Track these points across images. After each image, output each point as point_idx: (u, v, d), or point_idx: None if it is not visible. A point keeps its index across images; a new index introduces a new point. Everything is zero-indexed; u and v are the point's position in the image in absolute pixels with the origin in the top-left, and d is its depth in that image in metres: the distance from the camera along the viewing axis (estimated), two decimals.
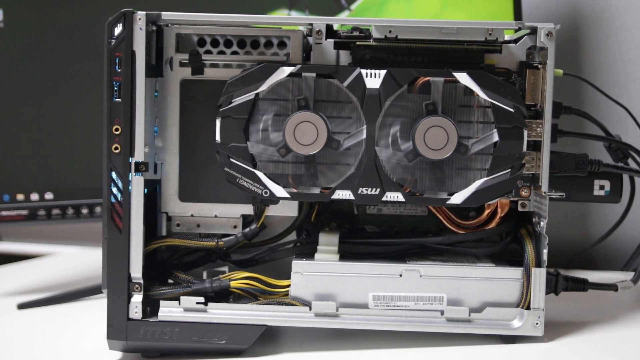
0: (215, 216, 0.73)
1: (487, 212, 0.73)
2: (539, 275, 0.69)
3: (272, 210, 0.73)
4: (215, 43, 0.73)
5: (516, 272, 0.70)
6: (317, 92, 0.68)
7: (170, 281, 0.73)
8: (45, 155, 0.93)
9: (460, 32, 0.69)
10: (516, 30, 0.72)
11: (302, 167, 0.69)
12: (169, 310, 0.70)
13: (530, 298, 0.69)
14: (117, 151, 0.68)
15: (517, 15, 0.95)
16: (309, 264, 0.71)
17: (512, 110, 0.67)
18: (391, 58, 0.70)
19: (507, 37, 0.72)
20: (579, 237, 1.03)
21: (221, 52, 0.73)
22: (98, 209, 0.93)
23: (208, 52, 0.73)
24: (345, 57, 0.72)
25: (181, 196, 0.73)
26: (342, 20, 0.76)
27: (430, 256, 0.73)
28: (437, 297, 0.70)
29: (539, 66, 0.70)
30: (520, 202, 0.72)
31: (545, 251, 0.69)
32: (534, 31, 0.70)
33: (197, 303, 0.69)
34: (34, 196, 0.93)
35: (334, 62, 0.71)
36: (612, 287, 0.75)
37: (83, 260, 1.16)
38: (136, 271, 0.69)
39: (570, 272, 0.79)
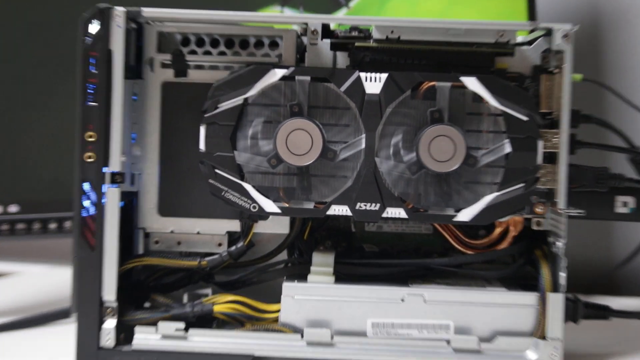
0: (198, 233, 0.74)
1: (498, 230, 0.73)
2: (556, 301, 0.69)
3: (261, 227, 0.74)
4: (200, 42, 0.73)
5: (530, 298, 0.70)
6: (312, 97, 0.69)
7: (147, 305, 0.74)
8: (10, 164, 0.93)
9: (468, 33, 0.70)
10: (530, 32, 0.73)
11: (294, 180, 0.69)
12: (144, 337, 0.70)
13: (546, 327, 0.69)
14: (90, 160, 0.69)
15: (531, 15, 0.96)
16: (301, 286, 0.71)
17: (525, 118, 0.68)
18: (393, 61, 0.71)
19: (520, 39, 0.72)
20: (600, 259, 1.03)
21: (207, 53, 0.73)
22: (68, 224, 0.93)
23: (192, 52, 0.73)
24: (342, 59, 0.72)
25: (161, 210, 0.74)
26: (339, 19, 0.77)
27: (435, 279, 0.74)
28: (442, 325, 0.70)
29: (555, 71, 0.71)
30: (534, 220, 0.72)
31: (562, 274, 0.69)
32: (549, 32, 0.70)
33: (177, 330, 0.70)
34: None
35: (331, 65, 0.72)
36: (638, 315, 0.75)
37: (50, 280, 1.15)
38: (109, 293, 0.69)
39: (591, 298, 0.79)
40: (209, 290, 0.76)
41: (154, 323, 0.70)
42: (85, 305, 0.69)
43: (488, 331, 0.70)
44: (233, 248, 0.73)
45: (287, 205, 0.69)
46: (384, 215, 0.69)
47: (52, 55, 0.94)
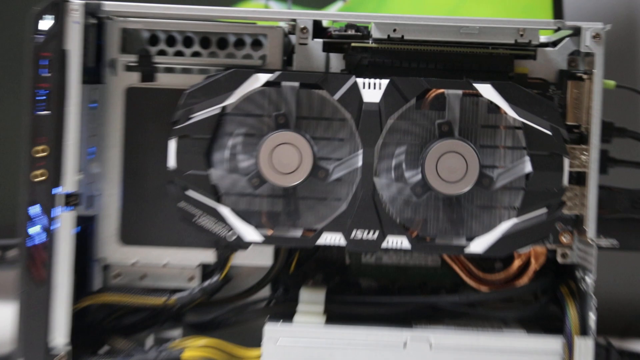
0: (166, 265, 0.74)
1: (517, 263, 0.73)
2: (585, 347, 0.69)
3: (239, 258, 0.74)
4: (171, 41, 0.73)
5: (555, 343, 0.70)
6: (301, 106, 0.68)
7: (104, 349, 0.73)
8: None
9: (483, 32, 0.70)
10: (555, 31, 0.73)
11: (279, 203, 0.69)
12: None
13: None
14: (40, 179, 0.68)
15: (557, 11, 0.97)
16: (286, 328, 0.70)
17: (549, 132, 0.68)
18: (395, 64, 0.71)
19: (543, 39, 0.72)
20: (636, 298, 1.03)
21: (178, 53, 0.73)
22: (12, 253, 0.92)
23: (162, 52, 0.74)
24: (337, 62, 0.73)
25: (122, 238, 0.74)
26: (333, 16, 0.77)
27: (443, 320, 0.73)
28: None
29: (584, 76, 0.71)
30: (560, 251, 0.73)
31: (592, 315, 0.69)
32: (577, 32, 0.70)
33: None
34: None
35: (323, 69, 0.73)
36: None
37: None
38: (60, 336, 0.68)
39: (626, 343, 0.78)
40: (178, 333, 0.75)
41: None
42: (31, 350, 0.68)
43: None
44: (207, 283, 0.73)
45: (270, 232, 0.69)
46: (384, 245, 0.68)
47: None
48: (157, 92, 0.73)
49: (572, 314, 0.70)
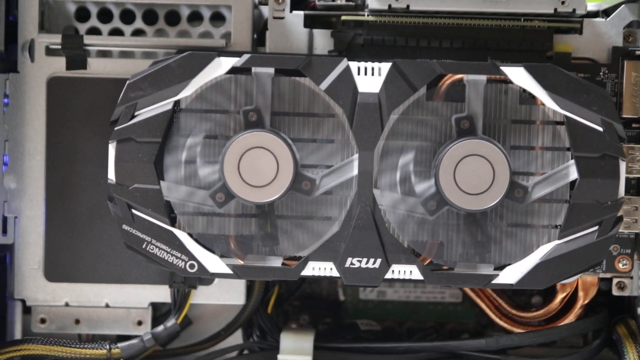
0: (107, 306, 0.74)
1: (560, 297, 0.73)
2: None
3: (202, 296, 0.74)
4: (105, 15, 0.73)
5: None
6: (277, 99, 0.68)
7: None
8: None
9: None
10: None
11: (252, 224, 0.68)
12: None
13: None
14: None
15: None
16: None
17: (600, 128, 0.67)
18: (399, 42, 0.71)
19: (591, 7, 0.72)
20: None
21: (116, 32, 0.73)
22: None
23: (94, 30, 0.73)
24: (323, 40, 0.73)
25: (48, 273, 0.74)
26: None
27: None
28: None
29: None
30: (616, 280, 0.73)
31: None
32: None
33: None
34: None
35: (305, 50, 0.72)
36: None
37: None
38: None
39: None
40: None
41: None
42: None
43: None
44: (160, 328, 0.74)
45: (241, 262, 0.68)
46: (388, 276, 0.68)
47: None
48: (88, 83, 0.73)
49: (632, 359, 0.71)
